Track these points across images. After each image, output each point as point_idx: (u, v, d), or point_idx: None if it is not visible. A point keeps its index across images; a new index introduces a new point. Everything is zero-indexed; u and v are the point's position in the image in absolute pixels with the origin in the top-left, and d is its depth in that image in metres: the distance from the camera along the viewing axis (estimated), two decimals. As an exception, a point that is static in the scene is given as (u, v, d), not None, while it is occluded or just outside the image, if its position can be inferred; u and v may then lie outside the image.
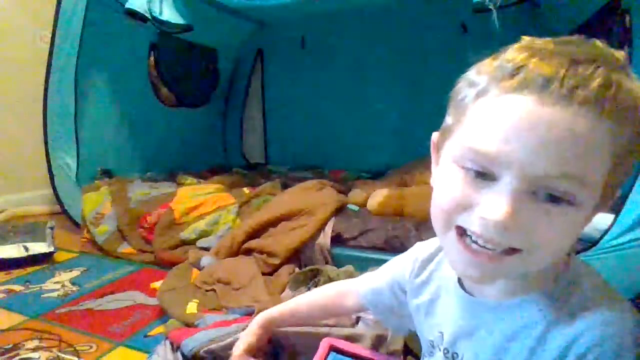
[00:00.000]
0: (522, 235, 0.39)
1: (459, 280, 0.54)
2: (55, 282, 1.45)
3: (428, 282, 0.60)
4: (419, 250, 0.64)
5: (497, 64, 0.41)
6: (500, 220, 0.38)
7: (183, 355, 0.95)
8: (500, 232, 0.39)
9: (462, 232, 0.43)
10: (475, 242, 0.42)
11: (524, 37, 0.43)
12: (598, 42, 0.41)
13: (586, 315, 0.42)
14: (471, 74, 0.44)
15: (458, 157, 0.42)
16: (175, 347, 0.99)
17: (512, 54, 0.41)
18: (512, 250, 0.41)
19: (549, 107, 0.37)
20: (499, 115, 0.39)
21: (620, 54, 0.40)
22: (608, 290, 0.45)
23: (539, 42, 0.41)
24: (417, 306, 0.61)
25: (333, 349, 0.77)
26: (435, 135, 0.50)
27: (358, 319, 0.98)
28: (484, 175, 0.40)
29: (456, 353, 0.53)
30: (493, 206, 0.39)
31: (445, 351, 0.54)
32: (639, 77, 0.40)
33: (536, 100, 0.37)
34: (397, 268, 0.67)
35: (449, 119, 0.46)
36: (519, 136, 0.38)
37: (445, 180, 0.44)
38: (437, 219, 0.45)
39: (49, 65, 1.92)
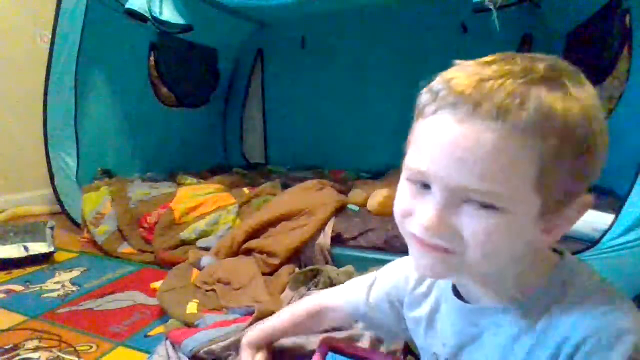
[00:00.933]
0: (452, 237, 0.43)
1: (455, 290, 0.55)
2: (55, 282, 1.45)
3: (428, 293, 0.60)
4: None
5: (431, 85, 0.45)
6: (428, 225, 0.43)
7: (183, 355, 0.95)
8: (431, 234, 0.43)
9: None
10: None
11: (456, 61, 0.46)
12: (519, 58, 0.42)
13: (581, 308, 0.43)
14: (423, 91, 0.47)
15: (405, 172, 0.48)
16: (176, 347, 0.99)
17: (441, 77, 0.44)
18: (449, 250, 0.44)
19: (458, 124, 0.41)
20: (425, 135, 0.44)
21: (542, 66, 0.41)
22: (603, 285, 0.46)
23: (466, 63, 0.44)
24: (416, 319, 0.61)
25: (331, 348, 0.77)
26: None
27: None
28: (424, 186, 0.45)
29: None
30: (424, 212, 0.44)
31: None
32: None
33: (449, 119, 0.41)
34: (396, 279, 0.66)
35: (408, 139, 0.50)
36: (437, 154, 0.42)
37: (399, 191, 0.49)
38: (398, 225, 0.50)
39: (49, 65, 1.92)
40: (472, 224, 0.42)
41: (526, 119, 0.38)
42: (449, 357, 0.54)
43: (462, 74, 0.42)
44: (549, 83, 0.40)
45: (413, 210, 0.46)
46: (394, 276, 0.67)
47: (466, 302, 0.53)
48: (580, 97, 0.40)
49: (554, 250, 0.50)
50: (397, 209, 0.48)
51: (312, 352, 0.77)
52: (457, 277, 0.52)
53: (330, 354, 0.76)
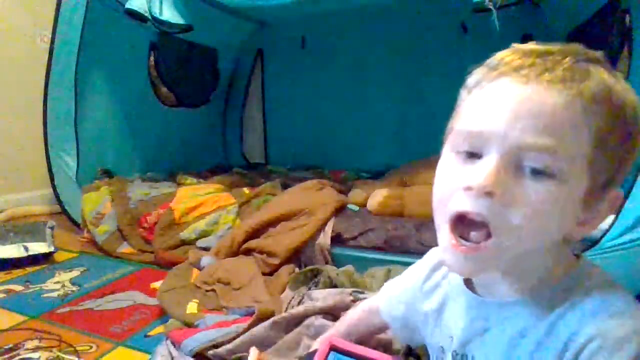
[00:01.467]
0: (500, 203, 0.41)
1: (467, 284, 0.55)
2: (55, 282, 1.45)
3: (436, 288, 0.61)
4: (432, 256, 0.65)
5: (485, 63, 0.47)
6: (482, 184, 0.41)
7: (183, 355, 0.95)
8: (482, 196, 0.42)
9: (453, 227, 0.45)
10: (462, 239, 0.45)
11: (514, 44, 0.47)
12: (575, 44, 0.45)
13: (592, 308, 0.43)
14: (475, 71, 0.48)
15: (453, 144, 0.47)
16: (176, 347, 0.99)
17: (498, 54, 0.46)
18: (487, 237, 0.43)
19: (522, 85, 0.42)
20: (483, 99, 0.45)
21: (599, 52, 0.44)
22: (614, 287, 0.46)
23: (523, 45, 0.46)
24: (425, 313, 0.62)
25: (333, 348, 0.77)
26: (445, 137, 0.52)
27: None
28: (473, 156, 0.44)
29: (466, 355, 0.53)
30: (477, 174, 0.42)
31: (455, 354, 0.54)
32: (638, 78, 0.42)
33: (511, 81, 0.43)
34: (412, 276, 0.67)
35: (451, 121, 0.50)
36: (498, 112, 0.43)
37: (441, 167, 0.48)
38: (435, 207, 0.48)
39: (49, 65, 1.92)
40: (526, 190, 0.41)
41: (590, 90, 0.41)
42: (457, 350, 0.54)
43: (523, 50, 0.44)
44: (605, 67, 0.43)
45: (462, 182, 0.44)
46: (412, 274, 0.68)
47: (477, 295, 0.53)
48: (629, 88, 0.44)
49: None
50: (444, 185, 0.47)
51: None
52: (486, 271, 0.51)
53: (332, 353, 0.76)
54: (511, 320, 0.48)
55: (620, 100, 0.42)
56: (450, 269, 0.51)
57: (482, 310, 0.52)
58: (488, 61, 0.46)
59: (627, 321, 0.41)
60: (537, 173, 0.41)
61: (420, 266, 0.66)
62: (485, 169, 0.42)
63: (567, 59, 0.42)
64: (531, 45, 0.45)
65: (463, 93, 0.48)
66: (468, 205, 0.43)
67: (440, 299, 0.59)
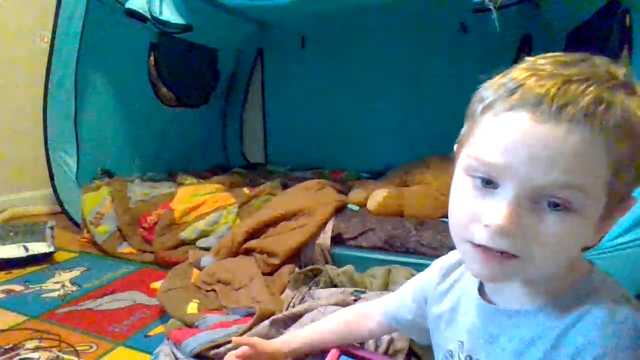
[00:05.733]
0: (521, 240, 0.42)
1: (480, 289, 0.55)
2: (55, 282, 1.45)
3: (449, 290, 0.61)
4: (443, 260, 0.65)
5: (502, 82, 0.44)
6: (500, 224, 0.41)
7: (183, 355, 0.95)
8: (501, 236, 0.42)
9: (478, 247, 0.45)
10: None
11: (528, 57, 0.45)
12: (598, 61, 0.42)
13: (598, 322, 0.42)
14: (482, 88, 0.46)
15: (467, 167, 0.46)
16: (177, 347, 0.99)
17: (515, 73, 0.44)
18: (512, 255, 0.43)
19: (541, 124, 0.40)
20: (500, 130, 0.43)
21: (622, 72, 0.42)
22: (626, 301, 0.45)
23: (541, 61, 0.43)
24: (437, 315, 0.62)
25: (344, 352, 0.77)
26: (456, 145, 0.51)
27: None
28: (488, 183, 0.43)
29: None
30: (494, 211, 0.42)
31: (469, 358, 0.54)
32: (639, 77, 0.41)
33: (530, 117, 0.41)
34: (422, 280, 0.67)
35: (463, 129, 0.49)
36: (516, 150, 0.41)
37: (456, 190, 0.47)
38: (452, 228, 0.48)
39: (49, 65, 1.92)
40: (546, 226, 0.41)
41: (612, 124, 0.39)
42: (468, 354, 0.54)
43: (542, 73, 0.41)
44: (628, 89, 0.41)
45: (479, 213, 0.43)
46: (421, 278, 0.68)
47: (490, 301, 0.53)
48: None
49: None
50: (461, 213, 0.46)
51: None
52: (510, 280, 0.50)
53: (342, 357, 0.76)
54: (520, 329, 0.48)
55: None
56: (477, 276, 0.51)
57: (492, 318, 0.52)
58: (503, 80, 0.44)
59: (628, 333, 0.41)
60: (556, 206, 0.41)
61: (432, 269, 0.66)
62: (502, 208, 0.41)
63: (591, 88, 0.39)
64: (551, 65, 0.42)
65: (475, 106, 0.46)
66: (489, 240, 0.43)
67: (453, 303, 0.59)
